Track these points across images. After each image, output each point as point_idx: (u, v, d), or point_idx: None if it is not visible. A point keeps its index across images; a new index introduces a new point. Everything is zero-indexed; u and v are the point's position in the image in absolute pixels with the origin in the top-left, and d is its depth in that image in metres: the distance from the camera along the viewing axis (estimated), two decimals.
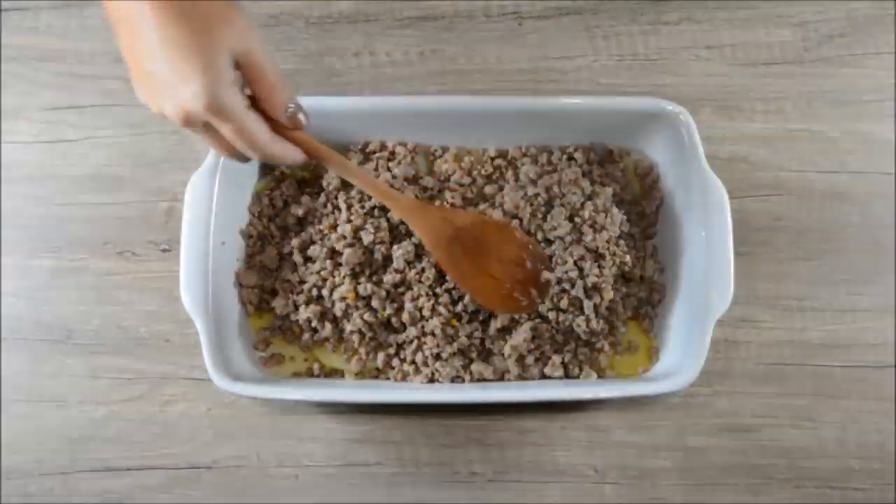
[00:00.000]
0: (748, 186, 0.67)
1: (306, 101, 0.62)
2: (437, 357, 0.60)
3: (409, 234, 0.60)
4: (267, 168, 0.64)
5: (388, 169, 0.63)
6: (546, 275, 0.57)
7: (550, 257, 0.60)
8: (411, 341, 0.61)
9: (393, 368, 0.61)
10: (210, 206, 0.59)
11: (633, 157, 0.65)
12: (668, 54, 0.69)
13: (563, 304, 0.59)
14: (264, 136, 0.49)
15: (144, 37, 0.43)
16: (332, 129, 0.64)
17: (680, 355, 0.59)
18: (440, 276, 0.61)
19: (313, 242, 0.62)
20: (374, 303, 0.60)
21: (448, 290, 0.61)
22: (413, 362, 0.61)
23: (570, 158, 0.64)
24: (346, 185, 0.63)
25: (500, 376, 0.60)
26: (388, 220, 0.61)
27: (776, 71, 0.69)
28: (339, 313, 0.60)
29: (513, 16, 0.70)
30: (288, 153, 0.51)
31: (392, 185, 0.61)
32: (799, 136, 0.68)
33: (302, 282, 0.62)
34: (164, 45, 0.43)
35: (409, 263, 0.61)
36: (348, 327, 0.60)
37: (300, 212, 0.63)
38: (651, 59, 0.69)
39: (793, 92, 0.68)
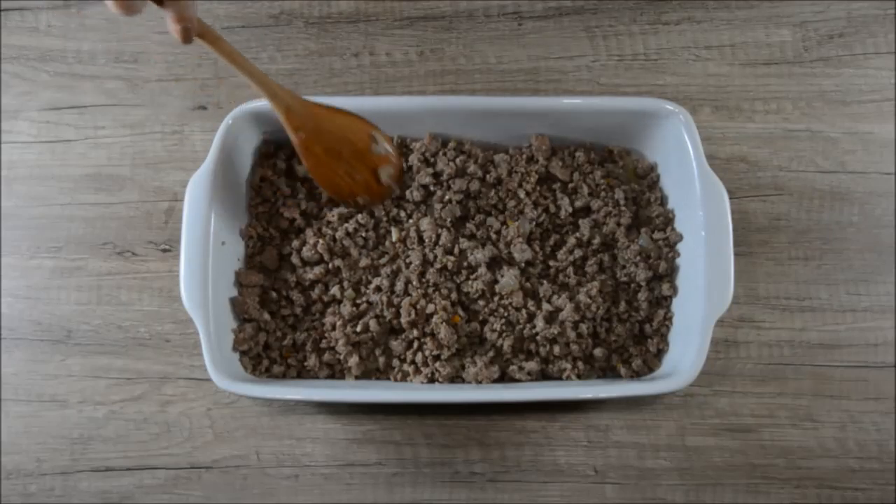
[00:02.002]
0: (748, 186, 0.67)
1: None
2: (437, 358, 0.60)
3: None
4: (259, 160, 0.64)
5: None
6: (386, 171, 0.59)
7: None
8: (411, 342, 0.61)
9: (393, 369, 0.61)
10: (210, 206, 0.59)
11: (633, 156, 0.65)
12: (668, 54, 0.69)
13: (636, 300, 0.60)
14: None
15: None
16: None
17: (680, 355, 0.59)
18: (439, 278, 0.62)
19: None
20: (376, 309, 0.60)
21: (450, 290, 0.61)
22: (413, 362, 0.61)
23: (571, 157, 0.64)
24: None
25: (500, 377, 0.60)
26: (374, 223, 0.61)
27: (776, 71, 0.69)
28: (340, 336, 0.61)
29: (513, 16, 0.70)
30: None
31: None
32: (799, 136, 0.68)
33: (300, 283, 0.62)
34: None
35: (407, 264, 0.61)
36: (343, 341, 0.60)
37: (295, 214, 0.63)
38: (651, 59, 0.69)
39: (793, 92, 0.68)
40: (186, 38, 0.49)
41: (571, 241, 0.63)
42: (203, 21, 0.50)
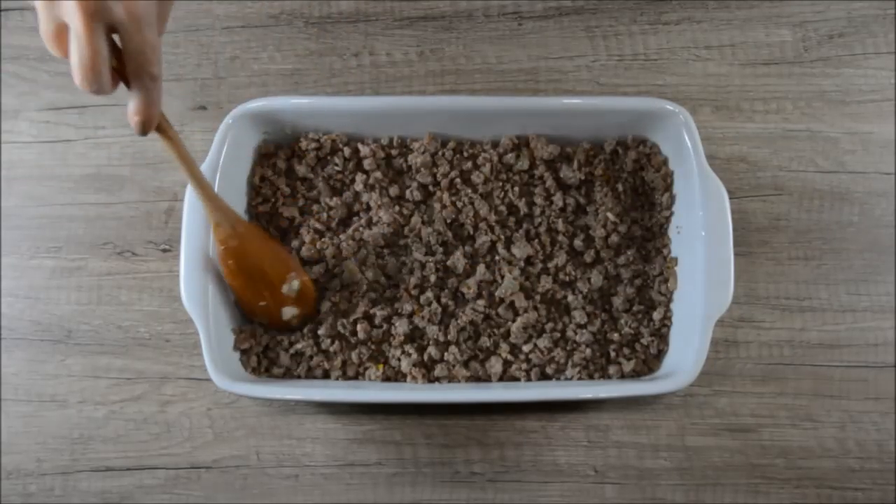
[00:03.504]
0: (748, 186, 0.67)
1: (307, 101, 0.63)
2: (439, 360, 0.60)
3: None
4: (259, 160, 0.64)
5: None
6: (289, 286, 0.60)
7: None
8: (412, 343, 0.61)
9: (394, 369, 0.61)
10: None
11: (643, 150, 0.64)
12: (668, 54, 0.69)
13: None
14: (103, 65, 0.46)
15: None
16: (332, 129, 0.64)
17: (680, 355, 0.59)
18: (439, 279, 0.62)
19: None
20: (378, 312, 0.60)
21: (452, 290, 0.61)
22: (412, 362, 0.61)
23: (570, 158, 0.64)
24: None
25: (501, 375, 0.60)
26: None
27: (776, 71, 0.69)
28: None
29: (513, 16, 0.70)
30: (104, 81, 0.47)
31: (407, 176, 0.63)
32: (799, 136, 0.68)
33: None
34: None
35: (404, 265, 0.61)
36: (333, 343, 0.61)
37: (294, 214, 0.63)
38: (651, 59, 0.69)
39: (793, 92, 0.68)
40: (143, 131, 0.48)
41: (571, 240, 0.63)
42: (164, 115, 0.50)
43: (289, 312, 0.60)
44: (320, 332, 0.61)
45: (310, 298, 0.61)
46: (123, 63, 0.46)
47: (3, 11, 0.71)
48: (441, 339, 0.60)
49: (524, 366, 0.60)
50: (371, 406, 0.63)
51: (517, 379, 0.60)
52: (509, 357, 0.61)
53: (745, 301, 0.64)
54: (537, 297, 0.61)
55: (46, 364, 0.64)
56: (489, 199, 0.64)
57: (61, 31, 0.46)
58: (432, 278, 0.61)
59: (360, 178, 0.64)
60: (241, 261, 0.58)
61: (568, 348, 0.61)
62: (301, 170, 0.64)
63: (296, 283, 0.60)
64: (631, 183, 0.64)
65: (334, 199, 0.64)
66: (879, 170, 0.67)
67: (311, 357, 0.61)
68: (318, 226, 0.63)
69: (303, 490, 0.62)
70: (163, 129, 0.51)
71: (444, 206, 0.63)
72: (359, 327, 0.61)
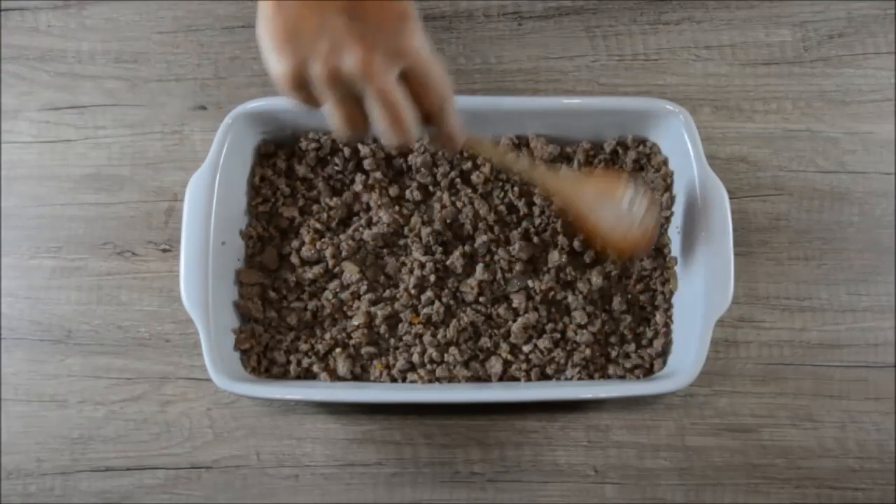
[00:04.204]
0: (748, 186, 0.67)
1: None
2: (440, 360, 0.60)
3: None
4: (259, 160, 0.64)
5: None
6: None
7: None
8: (411, 343, 0.61)
9: (391, 369, 0.61)
10: (210, 206, 0.59)
11: (643, 150, 0.64)
12: (668, 54, 0.69)
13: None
14: (410, 114, 0.45)
15: None
16: (331, 129, 0.64)
17: (680, 355, 0.59)
18: (438, 279, 0.62)
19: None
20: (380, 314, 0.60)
21: (453, 291, 0.61)
22: (411, 362, 0.61)
23: (570, 158, 0.64)
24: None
25: (501, 375, 0.60)
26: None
27: (776, 71, 0.69)
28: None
29: (513, 16, 0.70)
30: (415, 131, 0.47)
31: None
32: (799, 136, 0.68)
33: (299, 283, 0.62)
34: None
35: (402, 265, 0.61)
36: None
37: (294, 213, 0.63)
38: (651, 59, 0.69)
39: (793, 92, 0.68)
40: (458, 150, 0.55)
41: (571, 240, 0.63)
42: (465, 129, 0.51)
43: (652, 216, 0.59)
44: (320, 332, 0.61)
45: (646, 191, 0.59)
46: (417, 98, 0.46)
47: (3, 11, 0.71)
48: (441, 339, 0.60)
49: (524, 366, 0.60)
50: (371, 406, 0.63)
51: (517, 379, 0.60)
52: (509, 357, 0.61)
53: (745, 301, 0.64)
54: (537, 298, 0.61)
55: (46, 364, 0.64)
56: (489, 199, 0.64)
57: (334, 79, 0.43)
58: (432, 278, 0.61)
59: (359, 178, 0.64)
60: (592, 212, 0.58)
61: (568, 348, 0.61)
62: (301, 170, 0.64)
63: (640, 184, 0.59)
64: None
65: (334, 199, 0.64)
66: (879, 170, 0.67)
67: (310, 357, 0.61)
68: (318, 226, 0.63)
69: (303, 490, 0.62)
70: (472, 142, 0.53)
71: (443, 206, 0.63)
72: (359, 328, 0.61)
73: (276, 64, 0.43)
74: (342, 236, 0.63)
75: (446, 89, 0.46)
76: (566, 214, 0.61)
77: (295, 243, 0.63)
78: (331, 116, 0.45)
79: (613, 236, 0.58)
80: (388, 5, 0.43)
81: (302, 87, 0.44)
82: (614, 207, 0.58)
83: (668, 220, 0.63)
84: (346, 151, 0.64)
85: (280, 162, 0.64)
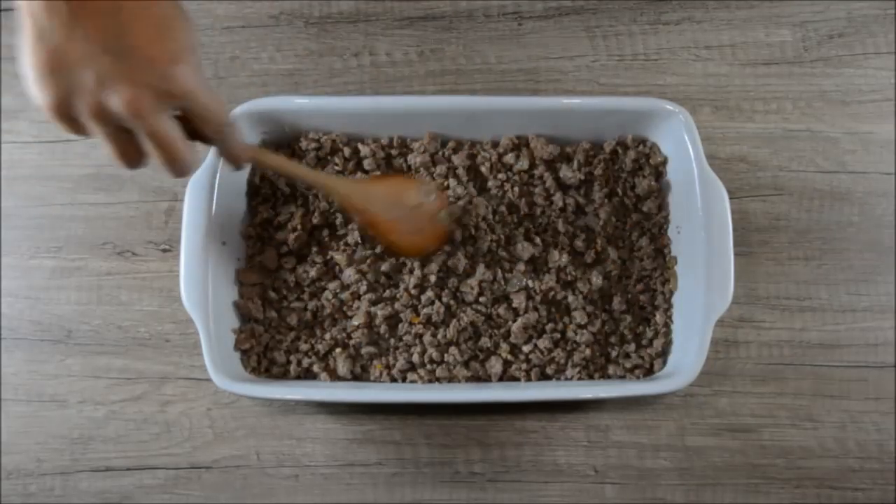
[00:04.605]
0: (748, 186, 0.67)
1: (307, 101, 0.63)
2: (440, 360, 0.60)
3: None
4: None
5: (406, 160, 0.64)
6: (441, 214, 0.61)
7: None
8: (411, 343, 0.61)
9: (391, 369, 0.61)
10: (210, 206, 0.59)
11: (642, 150, 0.64)
12: (668, 54, 0.69)
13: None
14: (186, 148, 0.45)
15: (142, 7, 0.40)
16: (332, 129, 0.64)
17: (680, 355, 0.59)
18: (439, 279, 0.62)
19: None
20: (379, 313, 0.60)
21: (453, 291, 0.61)
22: (411, 362, 0.61)
23: (570, 158, 0.64)
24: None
25: (501, 375, 0.60)
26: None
27: (776, 71, 0.69)
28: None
29: (513, 16, 0.70)
30: (194, 162, 0.47)
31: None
32: (799, 136, 0.68)
33: (299, 283, 0.62)
34: (172, 16, 0.41)
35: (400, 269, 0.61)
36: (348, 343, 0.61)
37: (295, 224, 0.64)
38: (651, 59, 0.69)
39: (793, 92, 0.68)
40: (239, 167, 0.54)
41: (571, 240, 0.63)
42: (249, 146, 0.53)
43: (444, 215, 0.60)
44: (320, 332, 0.61)
45: (440, 192, 0.61)
46: (191, 125, 0.46)
47: (3, 11, 0.71)
48: (441, 339, 0.60)
49: (524, 366, 0.60)
50: (371, 406, 0.63)
51: (517, 379, 0.60)
52: (509, 357, 0.61)
53: (745, 301, 0.64)
54: (538, 298, 0.61)
55: (46, 364, 0.64)
56: (489, 198, 0.64)
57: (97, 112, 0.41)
58: (432, 278, 0.61)
59: (360, 178, 0.64)
60: (381, 214, 0.59)
61: (568, 348, 0.61)
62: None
63: (430, 186, 0.61)
64: (630, 183, 0.64)
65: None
66: (879, 170, 0.67)
67: (310, 357, 0.61)
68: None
69: (303, 490, 0.62)
70: (257, 156, 0.54)
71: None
72: (359, 328, 0.61)
73: (39, 95, 0.41)
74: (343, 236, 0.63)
75: (224, 116, 0.46)
76: (360, 218, 0.60)
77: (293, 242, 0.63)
78: (103, 148, 0.44)
79: (403, 236, 0.59)
80: (160, 46, 0.41)
81: (69, 118, 0.42)
82: (403, 208, 0.59)
83: (667, 220, 0.63)
84: (346, 151, 0.64)
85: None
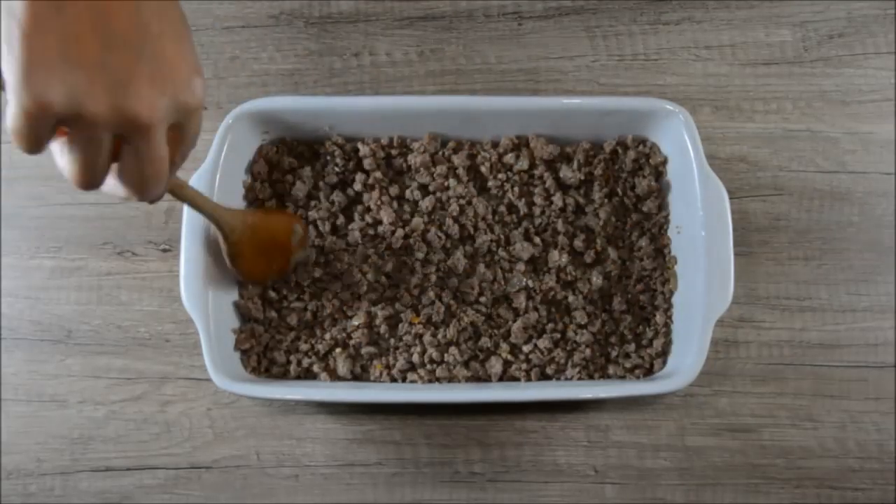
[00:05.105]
0: (748, 186, 0.67)
1: (307, 101, 0.63)
2: (440, 360, 0.60)
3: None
4: (259, 160, 0.64)
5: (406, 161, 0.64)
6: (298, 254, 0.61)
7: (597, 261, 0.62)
8: (411, 343, 0.61)
9: (391, 369, 0.61)
10: None
11: (642, 150, 0.64)
12: (668, 54, 0.69)
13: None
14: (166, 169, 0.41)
15: (167, 11, 0.37)
16: (332, 129, 0.64)
17: (680, 355, 0.59)
18: (439, 279, 0.62)
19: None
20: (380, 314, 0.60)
21: (454, 291, 0.61)
22: (411, 362, 0.61)
23: (570, 158, 0.64)
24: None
25: (501, 375, 0.60)
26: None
27: (776, 71, 0.69)
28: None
29: (513, 16, 0.70)
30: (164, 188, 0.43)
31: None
32: (799, 136, 0.68)
33: (299, 283, 0.62)
34: (186, 22, 0.38)
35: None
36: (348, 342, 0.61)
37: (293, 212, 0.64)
38: (651, 59, 0.69)
39: (793, 92, 0.68)
40: (159, 197, 0.43)
41: (571, 240, 0.63)
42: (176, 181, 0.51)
43: (301, 255, 0.61)
44: (320, 332, 0.61)
45: (305, 235, 0.62)
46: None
47: None
48: (441, 339, 0.60)
49: (524, 366, 0.60)
50: (371, 406, 0.63)
51: (517, 379, 0.60)
52: (509, 357, 0.61)
53: (745, 301, 0.64)
54: (538, 298, 0.61)
55: (46, 364, 0.64)
56: (489, 198, 0.64)
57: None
58: (433, 278, 0.61)
59: (360, 177, 0.64)
60: (254, 245, 0.59)
61: (568, 348, 0.61)
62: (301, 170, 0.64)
63: (299, 229, 0.61)
64: (630, 183, 0.64)
65: (333, 197, 0.64)
66: (879, 170, 0.67)
67: (310, 357, 0.61)
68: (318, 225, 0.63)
69: (303, 490, 0.62)
70: (175, 188, 0.52)
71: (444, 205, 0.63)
72: (359, 328, 0.61)
73: (34, 89, 0.34)
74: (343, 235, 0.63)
75: (197, 128, 0.43)
76: (229, 240, 0.58)
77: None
78: (68, 161, 0.38)
79: (259, 264, 0.60)
80: (181, 53, 0.38)
81: (46, 124, 0.35)
82: (271, 241, 0.60)
83: (667, 220, 0.63)
84: (346, 151, 0.64)
85: (281, 159, 0.64)
